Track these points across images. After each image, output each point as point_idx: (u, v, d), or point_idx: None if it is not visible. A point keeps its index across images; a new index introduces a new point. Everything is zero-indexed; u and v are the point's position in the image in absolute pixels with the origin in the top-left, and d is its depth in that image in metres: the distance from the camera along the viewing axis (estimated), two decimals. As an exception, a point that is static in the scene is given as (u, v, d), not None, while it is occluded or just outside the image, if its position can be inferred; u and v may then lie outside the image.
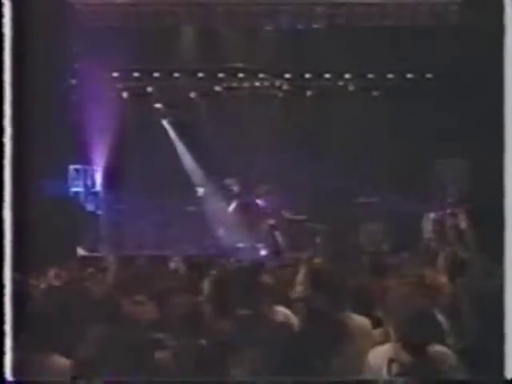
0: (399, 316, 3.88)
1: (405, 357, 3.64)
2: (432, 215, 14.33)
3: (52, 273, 7.05)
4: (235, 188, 15.13)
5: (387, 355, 3.79)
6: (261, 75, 15.15)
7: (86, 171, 14.12)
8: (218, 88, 15.31)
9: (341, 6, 13.31)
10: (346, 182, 14.18)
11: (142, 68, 14.65)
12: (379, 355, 3.88)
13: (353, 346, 4.32)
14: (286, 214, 14.98)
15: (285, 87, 15.35)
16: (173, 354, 3.95)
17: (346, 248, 12.14)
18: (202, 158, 15.28)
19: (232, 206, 15.15)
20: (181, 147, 15.72)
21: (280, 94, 15.40)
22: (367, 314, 4.88)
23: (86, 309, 4.73)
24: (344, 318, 4.70)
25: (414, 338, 3.68)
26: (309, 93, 15.33)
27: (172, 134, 15.80)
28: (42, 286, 6.43)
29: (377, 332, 4.62)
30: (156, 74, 14.77)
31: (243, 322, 4.36)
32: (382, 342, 4.14)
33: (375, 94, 15.38)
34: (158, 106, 15.60)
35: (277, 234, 14.88)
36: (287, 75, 15.14)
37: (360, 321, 4.82)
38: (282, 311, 5.11)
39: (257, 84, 15.34)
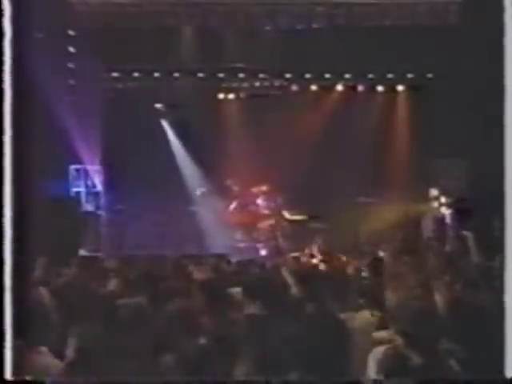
0: (404, 316, 3.86)
1: (415, 357, 3.61)
2: (432, 215, 14.34)
3: (52, 273, 7.03)
4: (235, 188, 15.14)
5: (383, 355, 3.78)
6: (261, 75, 15.16)
7: (86, 171, 14.10)
8: (218, 88, 15.36)
9: (340, 6, 13.29)
10: (346, 182, 14.18)
11: (142, 68, 14.65)
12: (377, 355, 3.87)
13: (354, 345, 4.32)
14: (286, 214, 14.99)
15: (285, 87, 15.36)
16: (175, 355, 3.94)
17: (346, 248, 12.13)
18: (202, 158, 15.27)
19: (232, 206, 15.16)
20: (181, 147, 15.72)
21: (280, 94, 15.39)
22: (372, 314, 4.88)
23: (86, 309, 4.73)
24: (347, 317, 4.70)
25: (421, 337, 3.66)
26: (308, 92, 15.34)
27: (172, 134, 15.80)
28: (43, 286, 6.42)
29: (381, 333, 4.60)
30: (156, 74, 14.78)
31: (248, 322, 4.36)
32: (386, 342, 4.12)
33: (375, 93, 15.38)
34: (157, 105, 15.61)
35: (277, 234, 14.89)
36: (287, 75, 15.15)
37: (363, 320, 4.81)
38: None
39: (257, 84, 15.35)
